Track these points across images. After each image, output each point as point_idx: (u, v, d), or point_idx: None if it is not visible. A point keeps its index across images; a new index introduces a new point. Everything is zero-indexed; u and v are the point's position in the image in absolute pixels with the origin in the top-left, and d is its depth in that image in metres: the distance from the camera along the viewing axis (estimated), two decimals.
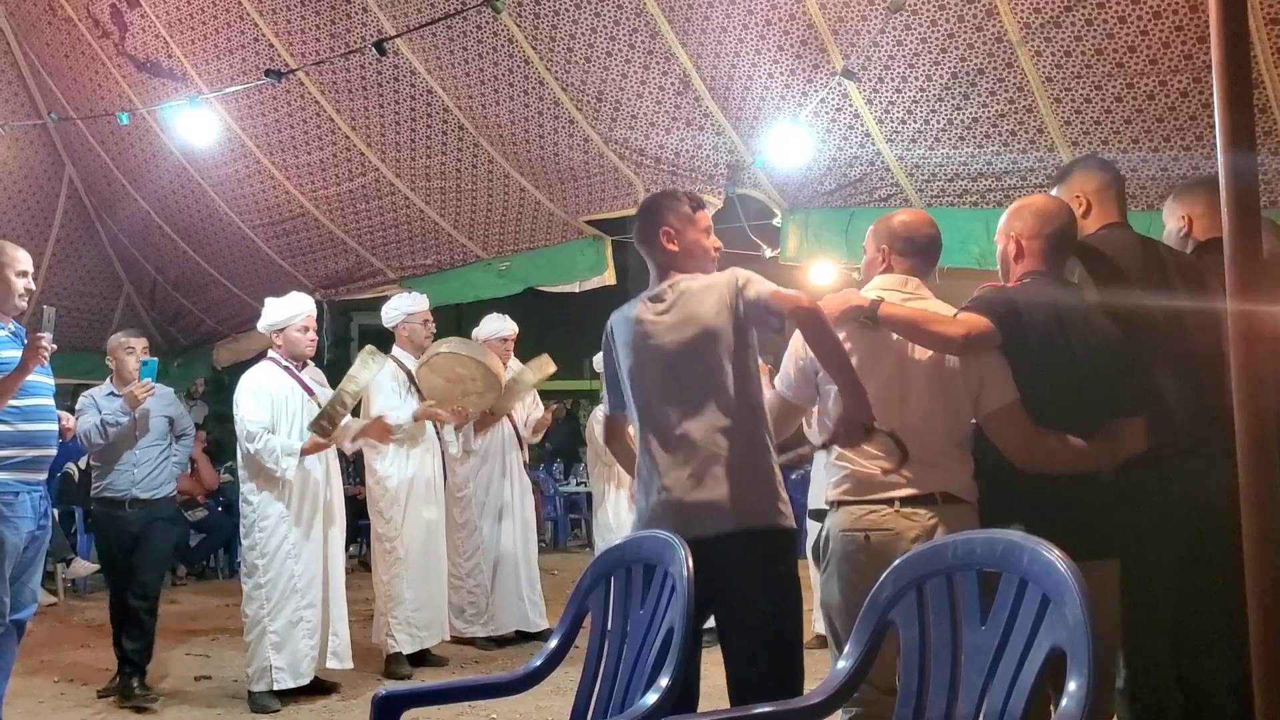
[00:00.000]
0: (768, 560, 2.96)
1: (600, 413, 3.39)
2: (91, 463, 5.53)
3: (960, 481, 2.90)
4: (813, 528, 3.07)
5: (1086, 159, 3.48)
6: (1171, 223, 3.48)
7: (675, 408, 3.02)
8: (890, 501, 2.85)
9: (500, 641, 6.37)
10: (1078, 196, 3.23)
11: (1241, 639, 3.09)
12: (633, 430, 3.21)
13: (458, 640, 6.33)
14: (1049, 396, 2.86)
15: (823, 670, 2.58)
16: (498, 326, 6.62)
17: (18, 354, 4.06)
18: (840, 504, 2.94)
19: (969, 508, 2.88)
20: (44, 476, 4.26)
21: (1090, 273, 3.06)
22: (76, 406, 5.32)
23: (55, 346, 4.13)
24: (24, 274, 4.23)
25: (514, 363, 6.66)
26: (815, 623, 4.65)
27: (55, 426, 4.29)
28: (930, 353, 2.92)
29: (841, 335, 2.93)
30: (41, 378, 4.20)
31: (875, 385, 2.89)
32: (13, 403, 4.05)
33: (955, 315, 2.94)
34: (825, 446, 2.93)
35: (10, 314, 4.25)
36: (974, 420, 2.94)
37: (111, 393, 5.31)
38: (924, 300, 3.03)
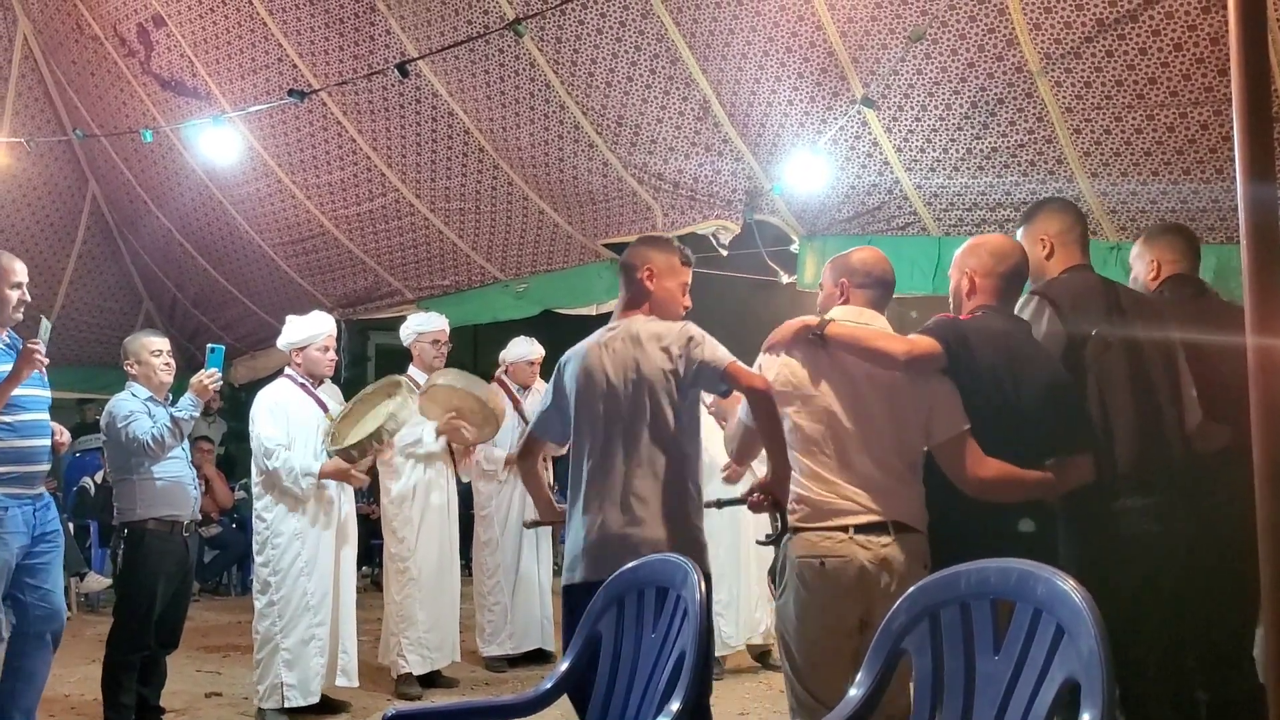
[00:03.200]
0: None
1: (530, 427, 3.54)
2: (132, 476, 4.71)
3: (912, 509, 3.01)
4: (769, 552, 3.21)
5: (1051, 201, 3.54)
6: (1139, 266, 3.63)
7: (610, 445, 3.16)
8: (845, 529, 2.95)
9: (513, 661, 6.34)
10: (1042, 239, 3.34)
11: (1187, 668, 3.16)
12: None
13: (470, 661, 6.31)
14: (995, 429, 2.96)
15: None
16: (525, 350, 6.58)
17: (9, 368, 4.01)
18: (796, 530, 3.02)
19: (920, 536, 3.00)
20: (37, 491, 4.17)
21: (1056, 315, 3.16)
22: (120, 419, 4.68)
23: (48, 360, 4.06)
24: (18, 285, 4.14)
25: (539, 384, 6.67)
26: None
27: (48, 441, 4.21)
28: (885, 381, 3.02)
29: (799, 359, 3.08)
30: (37, 391, 4.15)
31: (831, 411, 3.01)
32: (4, 418, 4.00)
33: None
34: (718, 505, 3.18)
35: (4, 325, 4.16)
36: (925, 448, 3.06)
37: (151, 397, 4.80)
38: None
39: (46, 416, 4.24)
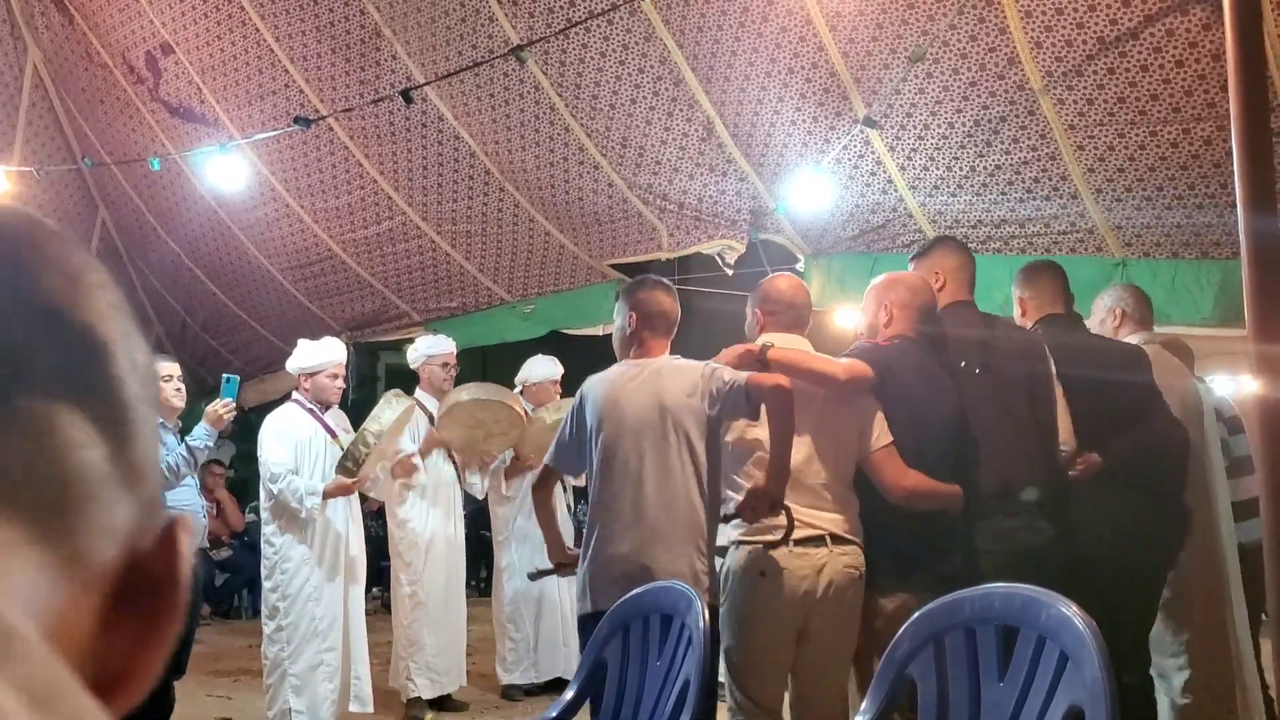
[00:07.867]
0: None
1: (547, 459, 3.56)
2: None
3: (848, 522, 3.19)
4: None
5: (945, 239, 3.85)
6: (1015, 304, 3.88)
7: (635, 478, 3.21)
8: (785, 542, 3.10)
9: (534, 690, 6.23)
10: (936, 272, 3.60)
11: None
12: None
13: (478, 684, 6.28)
14: (909, 448, 3.20)
15: None
16: (549, 369, 6.43)
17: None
18: (739, 544, 3.18)
19: (854, 547, 3.17)
20: None
21: (933, 344, 3.41)
22: None
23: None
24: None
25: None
26: None
27: None
28: (821, 399, 3.21)
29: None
30: None
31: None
32: None
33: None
34: (730, 518, 3.22)
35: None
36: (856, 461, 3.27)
37: (161, 423, 4.89)
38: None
39: None
